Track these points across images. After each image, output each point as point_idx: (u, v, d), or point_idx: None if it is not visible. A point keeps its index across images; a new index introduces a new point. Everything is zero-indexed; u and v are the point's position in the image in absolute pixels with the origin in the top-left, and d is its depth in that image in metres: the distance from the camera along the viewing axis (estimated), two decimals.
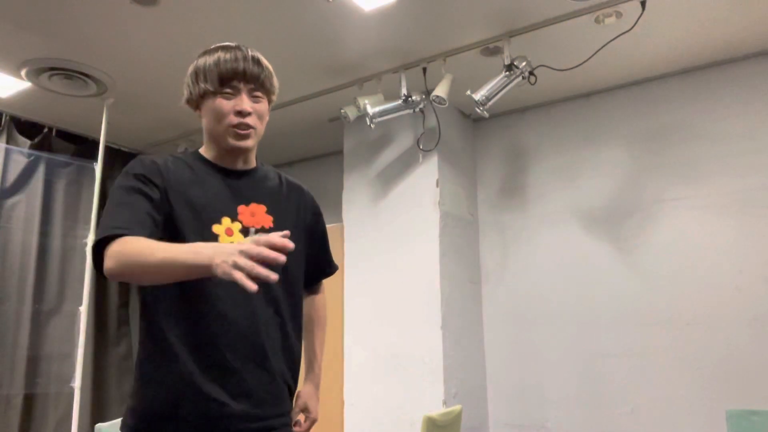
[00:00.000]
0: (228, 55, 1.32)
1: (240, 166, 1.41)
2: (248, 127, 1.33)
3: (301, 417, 1.49)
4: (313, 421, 1.50)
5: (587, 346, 3.21)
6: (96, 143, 3.62)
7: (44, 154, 3.74)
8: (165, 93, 3.39)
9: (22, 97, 3.40)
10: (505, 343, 3.48)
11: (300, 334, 1.44)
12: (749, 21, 2.70)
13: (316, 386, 1.56)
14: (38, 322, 3.60)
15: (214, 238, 1.28)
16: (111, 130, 3.59)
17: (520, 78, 2.81)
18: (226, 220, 1.31)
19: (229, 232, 1.30)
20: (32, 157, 3.69)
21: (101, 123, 3.43)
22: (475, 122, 3.82)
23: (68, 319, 3.66)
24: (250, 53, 1.34)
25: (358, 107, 3.17)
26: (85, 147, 3.96)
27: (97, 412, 3.80)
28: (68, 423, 3.30)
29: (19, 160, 3.65)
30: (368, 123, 3.19)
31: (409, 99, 3.08)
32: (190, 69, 1.37)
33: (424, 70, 3.04)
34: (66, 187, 3.83)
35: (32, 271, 3.61)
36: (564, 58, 2.91)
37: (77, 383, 3.14)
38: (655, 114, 3.22)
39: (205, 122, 1.37)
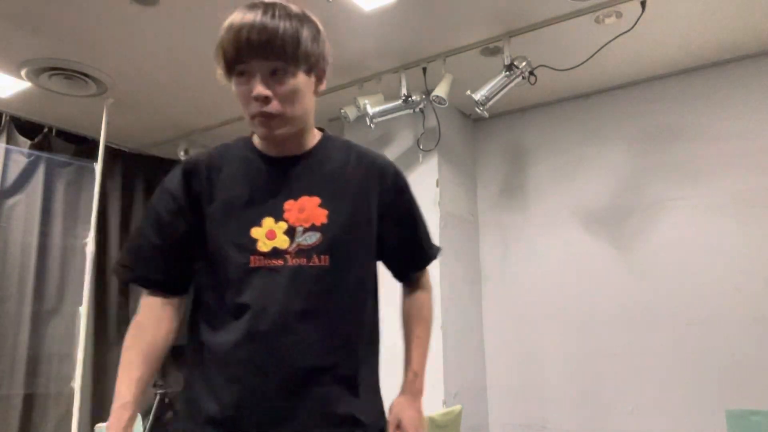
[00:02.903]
0: (234, 27, 1.07)
1: (291, 151, 1.19)
2: (270, 115, 1.09)
3: None
4: None
5: (587, 346, 3.21)
6: (96, 143, 3.62)
7: (44, 154, 3.74)
8: (165, 93, 3.39)
9: (22, 97, 3.40)
10: (505, 343, 3.48)
11: (368, 349, 1.20)
12: (749, 21, 2.70)
13: (412, 394, 1.27)
14: (38, 322, 3.60)
15: (252, 243, 1.12)
16: (111, 130, 3.59)
17: (520, 78, 2.81)
18: (268, 221, 1.13)
19: (271, 235, 1.12)
20: (32, 157, 3.69)
21: (101, 123, 3.43)
22: (475, 122, 3.82)
23: (68, 319, 3.66)
24: (260, 18, 1.05)
25: (358, 107, 3.17)
26: (85, 147, 3.96)
27: (97, 412, 3.79)
28: (68, 423, 3.30)
29: (19, 160, 3.64)
30: (368, 123, 3.19)
31: (409, 99, 3.08)
32: None
33: (424, 70, 3.04)
34: (66, 187, 3.83)
35: (32, 271, 3.61)
36: (564, 58, 2.91)
37: (77, 383, 3.14)
38: (655, 114, 3.22)
39: None
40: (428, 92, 3.02)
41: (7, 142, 3.60)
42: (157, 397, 3.80)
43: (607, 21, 2.64)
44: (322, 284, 1.12)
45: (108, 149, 3.96)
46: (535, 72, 2.83)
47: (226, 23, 1.09)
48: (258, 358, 1.08)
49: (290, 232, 1.12)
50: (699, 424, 2.83)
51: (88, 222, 3.43)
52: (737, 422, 2.11)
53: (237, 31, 1.06)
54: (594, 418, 3.13)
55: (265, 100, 1.08)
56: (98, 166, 3.43)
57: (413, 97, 3.09)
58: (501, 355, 3.48)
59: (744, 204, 2.91)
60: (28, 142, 3.69)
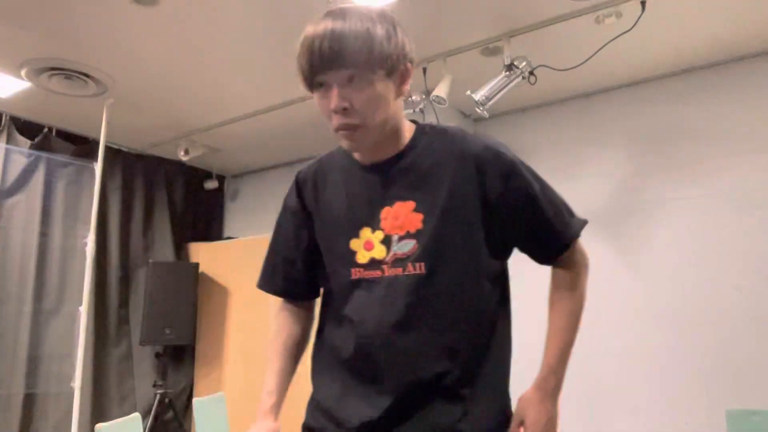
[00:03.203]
0: (306, 40, 1.03)
1: (383, 156, 1.13)
2: (351, 126, 1.05)
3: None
4: None
5: (587, 346, 3.20)
6: (96, 143, 3.62)
7: (44, 154, 3.74)
8: (165, 93, 3.39)
9: (22, 97, 3.40)
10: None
11: (483, 354, 1.14)
12: (749, 21, 2.70)
13: (543, 391, 1.16)
14: (38, 322, 3.61)
15: (351, 255, 1.11)
16: (111, 130, 3.58)
17: (520, 78, 2.81)
18: (365, 232, 1.11)
19: (369, 246, 1.11)
20: (32, 157, 3.69)
21: (101, 123, 3.43)
22: (475, 122, 3.82)
23: (68, 319, 3.66)
24: (330, 26, 1.01)
25: None
26: (85, 147, 3.96)
27: (97, 412, 3.80)
28: (68, 423, 3.30)
29: (19, 160, 3.65)
30: None
31: (409, 99, 3.07)
32: None
33: (424, 70, 3.04)
34: (66, 187, 3.83)
35: (32, 271, 3.61)
36: (564, 58, 2.91)
37: (77, 383, 3.14)
38: (655, 114, 3.22)
39: None
40: (428, 92, 3.01)
41: (7, 142, 3.61)
42: (157, 397, 3.80)
43: (607, 21, 2.64)
44: (418, 293, 1.07)
45: (108, 149, 3.96)
46: (535, 72, 2.83)
47: (302, 36, 1.04)
48: (362, 370, 1.10)
49: (387, 241, 1.09)
50: (699, 424, 2.83)
51: (88, 222, 3.42)
52: (737, 422, 2.10)
53: (309, 43, 1.02)
54: (594, 418, 3.13)
55: (344, 111, 1.03)
56: (98, 166, 3.43)
57: (413, 97, 3.08)
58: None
59: (744, 203, 2.91)
60: (28, 142, 3.69)
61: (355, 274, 1.11)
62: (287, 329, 1.28)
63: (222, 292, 4.24)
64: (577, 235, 1.19)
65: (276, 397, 1.20)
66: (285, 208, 1.27)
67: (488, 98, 2.83)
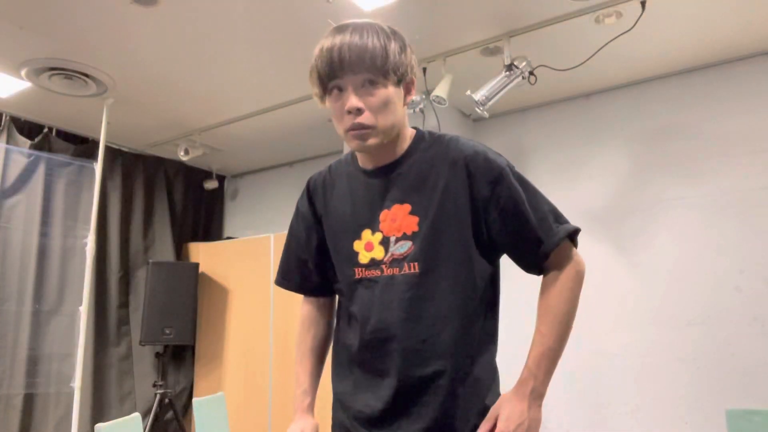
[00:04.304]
0: (325, 48, 1.11)
1: (384, 161, 1.21)
2: (363, 127, 1.11)
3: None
4: None
5: (587, 346, 3.20)
6: (96, 143, 3.62)
7: (44, 154, 3.74)
8: (165, 93, 3.39)
9: (22, 97, 3.40)
10: (504, 344, 3.47)
11: (473, 353, 1.19)
12: (749, 21, 2.70)
13: (520, 393, 1.18)
14: (38, 322, 3.61)
15: (355, 256, 1.19)
16: (111, 130, 3.59)
17: (520, 78, 2.81)
18: (366, 234, 1.19)
19: (369, 247, 1.18)
20: (32, 157, 3.69)
21: (101, 123, 3.43)
22: (475, 122, 3.82)
23: (68, 319, 3.66)
24: (348, 38, 1.10)
25: None
26: (85, 147, 3.96)
27: (97, 412, 3.80)
28: (68, 423, 3.30)
29: (19, 160, 3.65)
30: None
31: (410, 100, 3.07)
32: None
33: (424, 70, 3.04)
34: (66, 187, 3.83)
35: (32, 271, 3.61)
36: (564, 58, 2.91)
37: (77, 383, 3.14)
38: (655, 114, 3.22)
39: None
40: (428, 92, 3.02)
41: (7, 142, 3.61)
42: (157, 397, 3.80)
43: (607, 21, 2.64)
44: (413, 292, 1.14)
45: (108, 149, 3.96)
46: (535, 72, 2.83)
47: (317, 48, 1.13)
48: (369, 365, 1.18)
49: (385, 242, 1.17)
50: (699, 424, 2.83)
51: (88, 222, 3.43)
52: (737, 422, 2.10)
53: (328, 51, 1.11)
54: (594, 418, 3.13)
55: (358, 111, 1.11)
56: (98, 166, 3.43)
57: (413, 97, 3.08)
58: (500, 355, 3.47)
59: (744, 204, 2.91)
60: (28, 142, 3.69)
61: (358, 273, 1.19)
62: (313, 329, 1.35)
63: (222, 292, 4.24)
64: (560, 243, 1.14)
65: (311, 396, 1.30)
66: (297, 211, 1.35)
67: (488, 98, 2.83)
